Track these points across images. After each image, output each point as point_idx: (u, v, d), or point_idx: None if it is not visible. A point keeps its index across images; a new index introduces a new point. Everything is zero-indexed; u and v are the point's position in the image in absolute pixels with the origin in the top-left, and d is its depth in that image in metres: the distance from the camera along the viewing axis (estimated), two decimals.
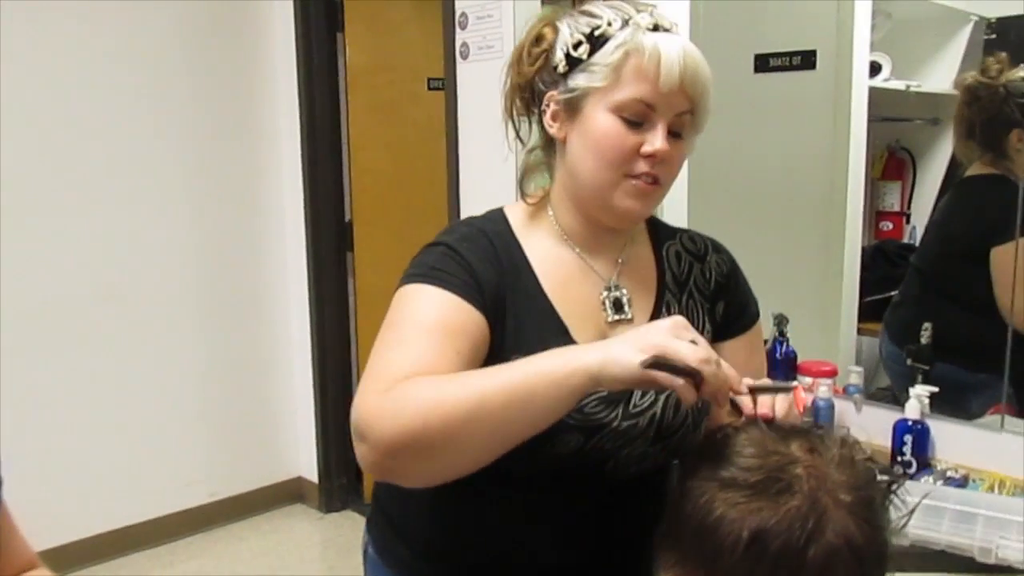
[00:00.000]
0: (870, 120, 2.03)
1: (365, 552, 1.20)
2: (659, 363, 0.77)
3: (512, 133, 1.11)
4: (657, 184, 1.01)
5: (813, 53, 2.05)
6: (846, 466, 0.74)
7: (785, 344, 1.98)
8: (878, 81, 2.02)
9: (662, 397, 1.03)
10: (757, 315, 1.17)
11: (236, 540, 3.06)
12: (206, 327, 3.08)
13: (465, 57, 2.39)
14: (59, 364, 2.76)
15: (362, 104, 3.08)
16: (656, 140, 0.97)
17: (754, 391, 0.83)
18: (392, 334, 0.95)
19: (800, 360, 1.96)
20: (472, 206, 2.48)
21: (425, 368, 0.89)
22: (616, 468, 1.03)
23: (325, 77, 3.05)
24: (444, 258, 1.00)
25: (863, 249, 2.08)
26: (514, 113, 1.09)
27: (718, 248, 1.17)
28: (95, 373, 2.83)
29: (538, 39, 1.04)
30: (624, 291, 1.08)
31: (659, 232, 1.15)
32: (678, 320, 0.84)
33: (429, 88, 3.10)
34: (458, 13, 2.37)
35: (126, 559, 2.88)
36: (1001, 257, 1.73)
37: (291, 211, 3.17)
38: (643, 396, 1.02)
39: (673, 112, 0.98)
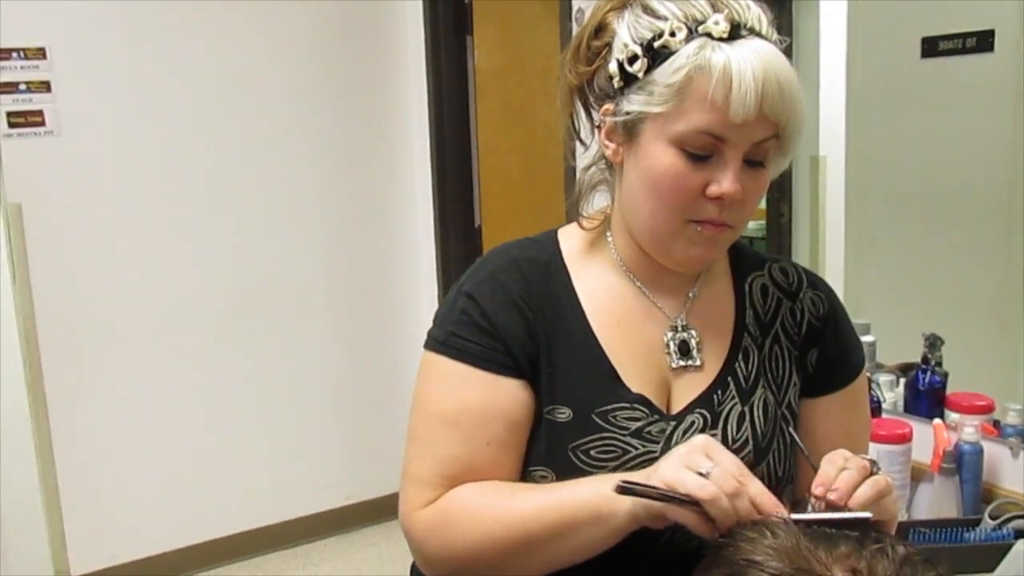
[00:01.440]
0: None
1: None
2: (650, 493, 0.70)
3: (574, 138, 0.94)
4: (726, 227, 0.84)
5: (991, 33, 1.80)
6: None
7: (932, 372, 1.71)
8: None
9: None
10: (861, 365, 0.97)
11: (369, 544, 3.09)
12: (341, 333, 3.12)
13: None
14: (201, 368, 2.87)
15: (491, 107, 3.01)
16: (725, 181, 0.80)
17: (801, 522, 0.67)
18: (420, 422, 0.91)
19: (950, 392, 1.69)
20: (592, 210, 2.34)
21: (459, 468, 0.87)
22: (672, 542, 0.87)
23: (455, 80, 2.99)
24: (463, 319, 0.89)
25: None
26: (573, 115, 0.92)
27: (815, 283, 0.97)
28: (236, 377, 2.93)
29: (599, 29, 0.86)
30: (694, 332, 0.91)
31: (743, 262, 0.97)
32: (698, 443, 0.74)
33: None
34: (575, 9, 2.24)
35: (263, 558, 2.97)
36: None
37: (422, 216, 3.15)
38: None
39: (750, 142, 0.80)
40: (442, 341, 0.90)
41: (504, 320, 0.88)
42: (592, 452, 0.87)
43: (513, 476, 0.89)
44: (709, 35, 0.79)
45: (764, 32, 0.81)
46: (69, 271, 2.64)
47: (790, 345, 0.94)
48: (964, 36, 1.83)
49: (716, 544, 0.65)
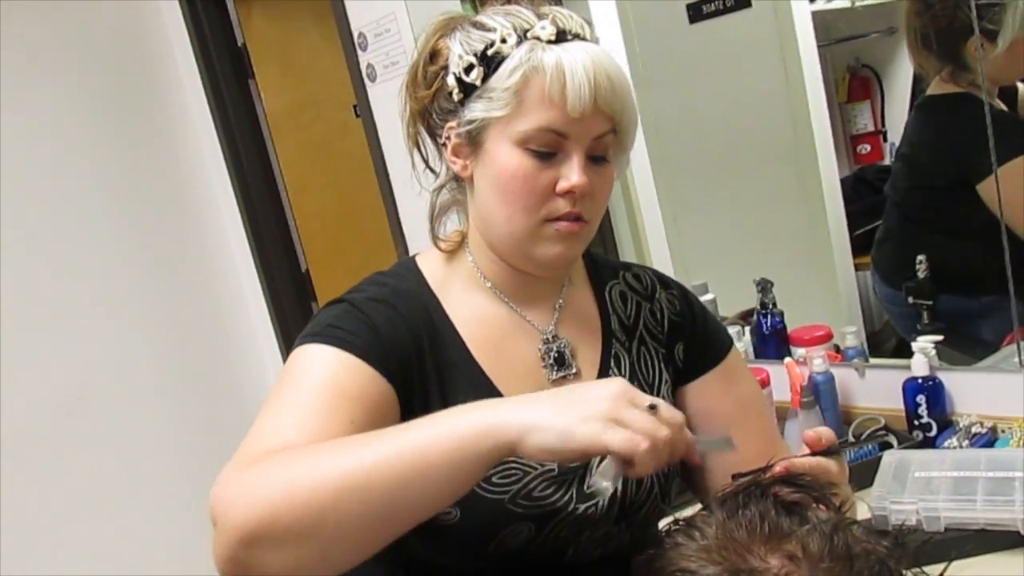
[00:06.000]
0: (821, 45, 1.90)
1: None
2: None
3: (420, 165, 0.95)
4: (583, 222, 0.84)
5: None
6: (841, 568, 0.55)
7: (771, 315, 1.80)
8: (820, 4, 1.87)
9: None
10: (729, 344, 1.00)
11: None
12: (184, 415, 2.92)
13: (374, 79, 2.23)
14: (27, 482, 2.61)
15: (291, 147, 2.92)
16: (572, 174, 0.82)
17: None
18: (272, 403, 0.79)
19: (791, 329, 1.78)
20: (418, 236, 2.31)
21: (310, 437, 0.74)
22: (577, 554, 0.87)
23: (246, 128, 2.87)
24: (345, 316, 0.85)
25: (843, 181, 1.93)
26: (419, 142, 0.93)
27: (666, 283, 1.01)
28: (81, 494, 2.68)
29: (433, 55, 0.88)
30: (565, 341, 0.92)
31: (599, 271, 0.99)
32: (616, 391, 0.68)
33: (357, 115, 2.93)
34: (356, 35, 2.20)
35: None
36: (991, 190, 1.53)
37: (244, 274, 3.01)
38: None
39: (590, 137, 0.83)
40: (317, 333, 0.84)
41: (387, 331, 0.84)
42: (494, 479, 0.84)
43: None
44: (538, 39, 0.82)
45: (588, 37, 0.84)
46: None
47: (656, 344, 0.96)
48: None
49: (645, 556, 0.63)
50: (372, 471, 0.65)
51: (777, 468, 0.68)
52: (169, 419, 2.89)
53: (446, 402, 0.84)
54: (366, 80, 2.24)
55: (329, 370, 0.80)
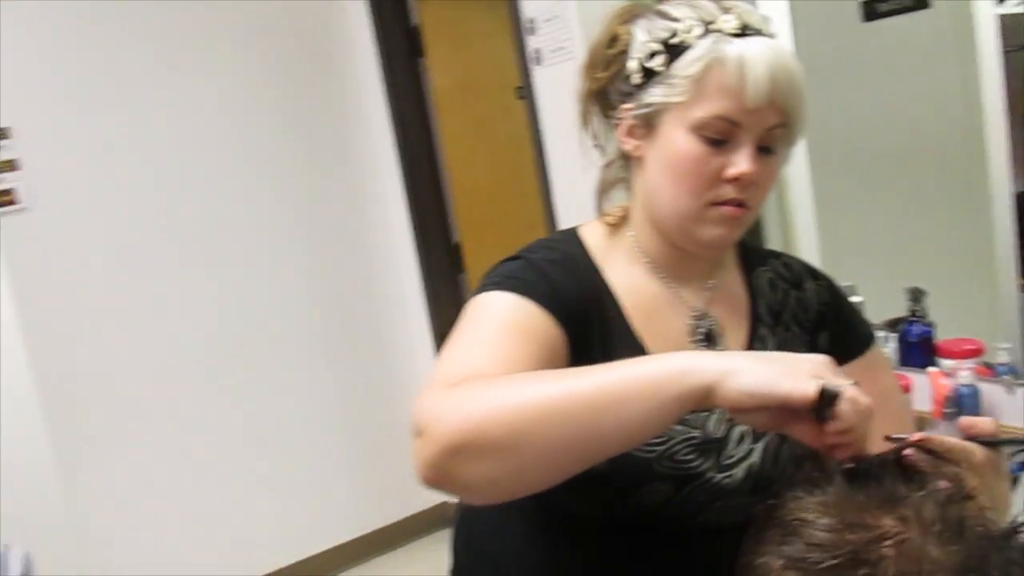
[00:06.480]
0: (1007, 51, 1.79)
1: None
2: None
3: (590, 143, 1.00)
4: (746, 208, 0.89)
5: None
6: (951, 536, 0.58)
7: (919, 324, 1.76)
8: (1009, 7, 1.77)
9: (759, 446, 0.92)
10: (870, 337, 1.02)
11: (391, 569, 3.09)
12: (334, 366, 3.13)
13: (540, 63, 2.30)
14: (198, 419, 2.87)
15: (453, 124, 3.05)
16: (742, 162, 0.86)
17: (890, 439, 0.70)
18: (459, 338, 0.85)
19: (939, 340, 1.74)
20: (568, 212, 2.38)
21: (496, 369, 0.79)
22: (707, 521, 0.91)
23: (413, 103, 3.03)
24: (522, 269, 0.91)
25: (1018, 196, 1.82)
26: (591, 121, 0.98)
27: (816, 274, 1.03)
28: (233, 423, 2.93)
29: (612, 40, 0.93)
30: (714, 320, 0.96)
31: (750, 257, 1.03)
32: (821, 360, 0.70)
33: (519, 97, 3.02)
34: (525, 19, 2.28)
35: None
36: None
37: (400, 240, 3.18)
38: (738, 445, 0.92)
39: (762, 128, 0.86)
40: (496, 283, 0.89)
41: (562, 285, 0.89)
42: None
43: None
44: (721, 31, 0.86)
45: (767, 33, 0.88)
46: (62, 339, 2.65)
47: (801, 332, 0.99)
48: None
49: (767, 504, 0.66)
50: (576, 399, 0.70)
51: (915, 437, 0.70)
52: (319, 365, 3.11)
53: (605, 360, 0.89)
54: (533, 64, 2.32)
55: (512, 313, 0.86)
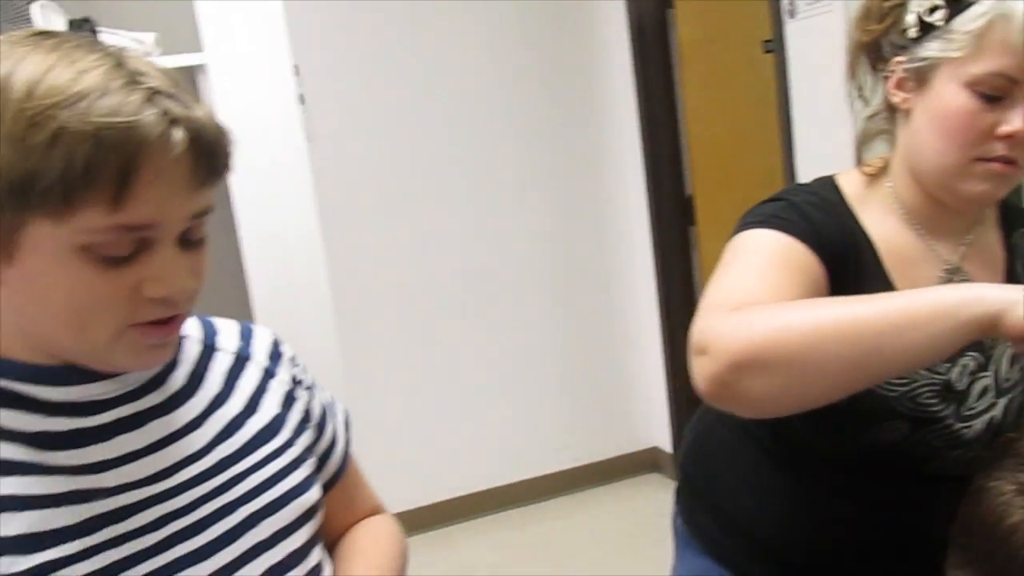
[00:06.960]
0: None
1: (674, 523, 1.20)
2: None
3: (855, 94, 1.01)
4: (1015, 165, 0.89)
5: None
6: None
7: None
8: None
9: (1002, 401, 0.93)
10: None
11: (595, 504, 3.25)
12: (562, 304, 3.31)
13: (793, 15, 2.26)
14: (437, 340, 3.16)
15: (696, 76, 3.05)
16: (1017, 120, 0.86)
17: None
18: (728, 269, 0.90)
19: None
20: (809, 170, 2.33)
21: (769, 298, 0.82)
22: (941, 468, 0.94)
23: (658, 52, 3.06)
24: (784, 209, 0.95)
25: None
26: (858, 73, 1.00)
27: None
28: (475, 349, 3.21)
29: None
30: (967, 276, 0.97)
31: (1011, 216, 1.02)
32: None
33: (765, 51, 2.96)
34: None
35: (492, 518, 3.20)
36: None
37: (633, 189, 3.26)
38: (979, 398, 0.93)
39: None
40: (759, 221, 0.93)
41: (822, 226, 0.93)
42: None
43: None
44: None
45: None
46: (358, 261, 3.02)
47: None
48: None
49: (1005, 438, 0.68)
50: (862, 320, 0.73)
51: None
52: (547, 301, 3.30)
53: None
54: (785, 16, 2.29)
55: (778, 247, 0.90)
